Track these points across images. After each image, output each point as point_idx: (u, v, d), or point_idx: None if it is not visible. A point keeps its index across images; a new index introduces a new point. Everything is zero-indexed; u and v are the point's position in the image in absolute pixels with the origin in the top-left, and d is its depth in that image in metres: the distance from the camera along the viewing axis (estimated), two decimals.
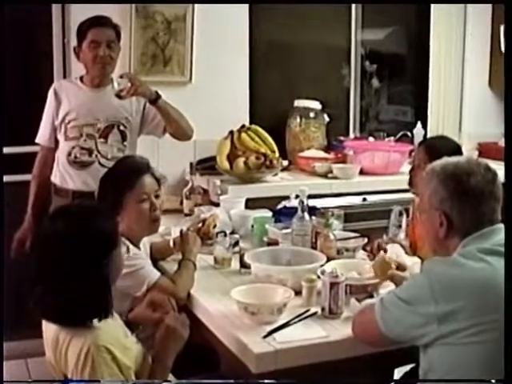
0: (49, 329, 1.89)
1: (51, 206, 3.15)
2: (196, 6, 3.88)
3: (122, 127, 3.13)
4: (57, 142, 3.16)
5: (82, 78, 3.18)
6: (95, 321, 1.81)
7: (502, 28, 4.62)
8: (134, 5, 3.75)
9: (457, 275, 1.78)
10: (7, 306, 3.54)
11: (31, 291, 1.83)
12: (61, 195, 3.13)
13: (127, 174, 2.44)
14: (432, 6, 4.61)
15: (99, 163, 3.10)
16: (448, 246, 1.89)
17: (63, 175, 3.12)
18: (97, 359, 1.74)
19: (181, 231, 2.71)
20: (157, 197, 2.49)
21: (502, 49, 4.63)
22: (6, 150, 3.53)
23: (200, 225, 2.82)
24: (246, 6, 4.08)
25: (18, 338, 3.78)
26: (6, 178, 3.55)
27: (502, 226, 1.88)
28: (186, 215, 3.41)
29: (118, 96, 2.97)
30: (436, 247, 1.95)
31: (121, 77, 2.99)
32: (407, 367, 2.49)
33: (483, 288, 1.76)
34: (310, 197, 2.82)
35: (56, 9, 3.74)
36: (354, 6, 4.60)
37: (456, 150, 2.77)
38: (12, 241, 3.23)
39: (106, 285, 1.83)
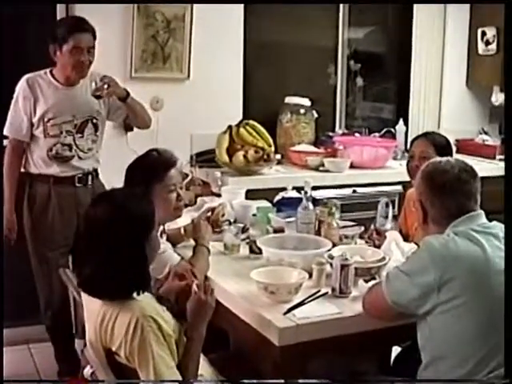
0: (92, 308, 2.06)
1: (30, 193, 3.27)
2: (195, 6, 4.03)
3: (94, 120, 3.31)
4: (31, 136, 3.25)
5: (52, 73, 3.25)
6: (137, 296, 1.99)
7: (479, 31, 4.89)
8: (136, 4, 3.89)
9: (453, 249, 2.04)
10: (10, 293, 3.65)
11: (80, 273, 2.04)
12: (41, 180, 3.26)
13: (157, 167, 2.62)
14: (414, 7, 4.82)
15: (78, 156, 3.29)
16: (428, 230, 2.20)
17: (41, 165, 3.25)
18: (145, 328, 1.92)
19: (192, 220, 2.89)
20: (181, 188, 2.69)
21: (479, 51, 4.90)
22: None
23: (209, 214, 3.00)
24: (241, 7, 4.25)
25: (21, 325, 3.89)
26: None
27: (481, 212, 2.18)
28: (186, 206, 3.57)
29: (96, 96, 3.18)
30: (421, 231, 2.28)
31: (101, 79, 3.16)
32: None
33: (475, 262, 2.03)
34: (303, 188, 3.01)
35: (60, 7, 3.86)
36: (341, 5, 4.79)
37: (448, 143, 3.09)
38: None
39: (146, 262, 2.04)
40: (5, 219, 3.26)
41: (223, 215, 3.02)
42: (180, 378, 1.99)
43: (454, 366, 2.02)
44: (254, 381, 2.20)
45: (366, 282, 2.42)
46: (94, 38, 3.20)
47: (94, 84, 3.16)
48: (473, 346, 2.01)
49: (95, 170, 3.38)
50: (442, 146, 3.00)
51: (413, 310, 2.09)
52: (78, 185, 3.29)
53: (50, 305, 3.35)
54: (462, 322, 2.02)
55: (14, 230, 3.30)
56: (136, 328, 1.92)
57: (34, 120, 3.20)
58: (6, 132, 3.26)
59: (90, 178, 3.34)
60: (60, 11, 3.86)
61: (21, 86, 3.21)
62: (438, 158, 2.29)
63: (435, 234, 2.15)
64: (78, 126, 3.25)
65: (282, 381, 2.15)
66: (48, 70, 3.28)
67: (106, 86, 3.13)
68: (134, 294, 2.00)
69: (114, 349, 2.00)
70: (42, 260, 3.30)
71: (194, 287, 2.18)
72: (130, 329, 1.93)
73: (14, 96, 3.23)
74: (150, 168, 2.62)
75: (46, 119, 3.20)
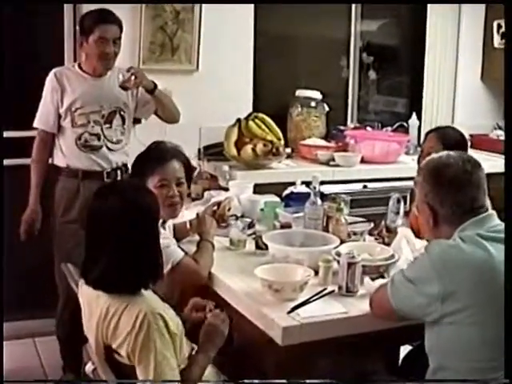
0: (95, 304, 2.00)
1: (58, 187, 3.27)
2: None
3: (122, 112, 3.31)
4: (59, 127, 3.25)
5: (79, 66, 3.28)
6: (145, 291, 1.97)
7: (494, 24, 4.79)
8: None
9: (456, 256, 1.94)
10: (16, 287, 3.64)
11: (90, 270, 1.98)
12: (69, 175, 3.24)
13: (153, 158, 2.58)
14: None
15: (106, 147, 3.27)
16: (440, 234, 2.06)
17: (70, 157, 3.24)
18: (152, 326, 1.88)
19: (197, 214, 2.84)
20: (179, 184, 2.60)
21: (495, 44, 4.80)
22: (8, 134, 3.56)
23: (215, 208, 2.94)
24: None
25: (26, 318, 3.88)
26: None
27: (494, 212, 2.06)
28: (194, 199, 3.53)
29: (123, 87, 3.20)
30: (431, 236, 2.11)
31: (127, 70, 3.18)
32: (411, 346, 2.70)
33: (480, 271, 1.92)
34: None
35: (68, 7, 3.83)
36: None
37: (462, 138, 2.98)
38: (17, 223, 3.29)
39: (159, 250, 2.03)
40: (29, 209, 3.28)
41: (229, 209, 2.97)
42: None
43: (459, 377, 1.94)
44: (256, 381, 2.14)
45: (373, 280, 2.36)
46: (121, 29, 3.22)
47: (121, 76, 3.20)
48: (478, 358, 1.94)
49: (125, 165, 3.34)
50: (453, 143, 2.88)
51: (419, 315, 2.01)
52: (107, 180, 3.25)
53: (67, 306, 3.22)
54: (467, 335, 1.93)
55: (37, 220, 3.29)
56: (143, 324, 1.88)
57: (62, 111, 3.21)
58: (35, 124, 3.28)
59: (119, 173, 3.32)
60: (67, 11, 3.83)
61: (49, 79, 3.24)
62: (437, 154, 2.16)
63: (447, 236, 2.02)
64: (105, 117, 3.25)
65: (285, 381, 2.09)
66: (76, 63, 3.31)
67: (133, 78, 3.16)
68: (142, 290, 1.97)
69: (114, 346, 1.95)
70: (65, 259, 3.06)
71: (209, 314, 2.19)
72: (137, 324, 1.88)
73: (44, 90, 3.25)
74: (146, 159, 2.60)
75: (73, 109, 3.21)
